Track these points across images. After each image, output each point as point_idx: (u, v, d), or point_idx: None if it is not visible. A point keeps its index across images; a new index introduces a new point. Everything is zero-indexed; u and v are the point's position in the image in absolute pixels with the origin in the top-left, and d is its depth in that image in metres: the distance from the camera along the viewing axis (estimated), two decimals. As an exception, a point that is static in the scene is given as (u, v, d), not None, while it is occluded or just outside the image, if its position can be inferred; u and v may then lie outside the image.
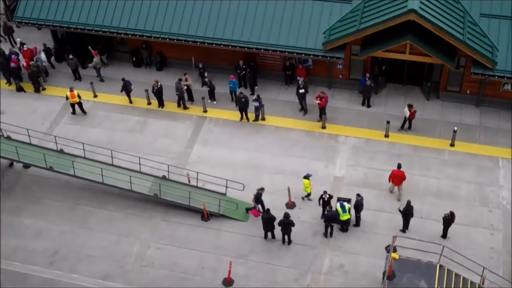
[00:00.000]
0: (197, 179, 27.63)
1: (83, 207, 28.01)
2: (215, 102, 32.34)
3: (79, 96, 31.56)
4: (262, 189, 26.39)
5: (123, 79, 32.29)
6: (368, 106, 31.57)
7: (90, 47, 33.90)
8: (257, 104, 30.65)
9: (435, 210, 26.61)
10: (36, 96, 33.68)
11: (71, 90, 31.38)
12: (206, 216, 27.03)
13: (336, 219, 25.47)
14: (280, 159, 29.39)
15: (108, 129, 31.46)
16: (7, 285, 25.29)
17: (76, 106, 31.97)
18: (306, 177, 26.65)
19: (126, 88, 32.26)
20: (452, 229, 25.46)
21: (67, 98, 31.47)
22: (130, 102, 32.68)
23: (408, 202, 25.27)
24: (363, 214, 26.13)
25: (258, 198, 26.22)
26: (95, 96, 33.16)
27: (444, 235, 25.53)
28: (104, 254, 26.16)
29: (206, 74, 32.51)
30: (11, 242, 26.80)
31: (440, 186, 27.81)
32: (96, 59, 33.52)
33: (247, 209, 26.81)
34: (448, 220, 25.12)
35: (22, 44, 34.73)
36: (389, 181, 26.98)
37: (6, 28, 36.74)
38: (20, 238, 26.96)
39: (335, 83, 32.64)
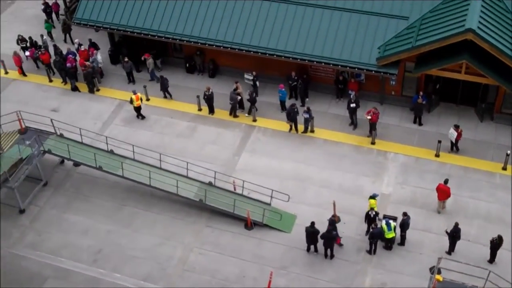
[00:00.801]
0: (243, 187, 27.67)
1: (129, 208, 28.36)
2: (246, 115, 32.42)
3: (141, 99, 32.03)
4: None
5: (161, 76, 32.80)
6: (420, 124, 31.14)
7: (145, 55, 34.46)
8: (307, 116, 30.57)
9: (483, 233, 26.01)
10: (90, 96, 34.33)
11: (135, 93, 31.76)
12: (249, 224, 27.03)
13: (381, 237, 25.15)
14: (327, 173, 29.22)
15: (158, 132, 31.82)
16: (52, 280, 25.76)
17: (130, 109, 32.43)
18: (373, 197, 26.16)
19: (163, 85, 32.74)
20: (500, 254, 24.85)
21: (131, 101, 31.81)
22: (165, 97, 33.43)
23: (456, 224, 24.78)
24: (408, 233, 25.72)
25: (332, 223, 25.68)
26: (148, 99, 33.60)
27: (492, 260, 24.93)
28: (147, 256, 26.40)
29: (257, 84, 32.55)
30: (58, 238, 27.32)
31: (489, 209, 27.19)
32: (150, 60, 33.97)
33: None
34: (496, 244, 24.53)
35: (79, 44, 35.48)
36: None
37: (65, 26, 37.66)
38: (66, 234, 27.46)
39: (387, 99, 32.32)
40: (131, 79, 34.77)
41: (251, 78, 32.51)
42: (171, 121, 32.40)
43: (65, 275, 25.93)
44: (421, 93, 30.52)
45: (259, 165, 29.80)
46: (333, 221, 25.66)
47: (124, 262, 26.22)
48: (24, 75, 35.64)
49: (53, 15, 39.35)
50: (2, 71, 36.00)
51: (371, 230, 25.27)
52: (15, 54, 35.12)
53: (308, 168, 29.49)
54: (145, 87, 33.71)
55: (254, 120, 32.06)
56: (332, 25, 30.96)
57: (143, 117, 32.45)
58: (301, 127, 31.17)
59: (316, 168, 29.50)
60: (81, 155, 28.71)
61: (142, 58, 34.16)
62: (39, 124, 30.19)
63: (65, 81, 34.88)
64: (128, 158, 28.91)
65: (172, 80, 34.40)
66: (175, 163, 28.63)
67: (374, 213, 25.65)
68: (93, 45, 35.91)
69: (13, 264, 26.45)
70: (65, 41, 38.00)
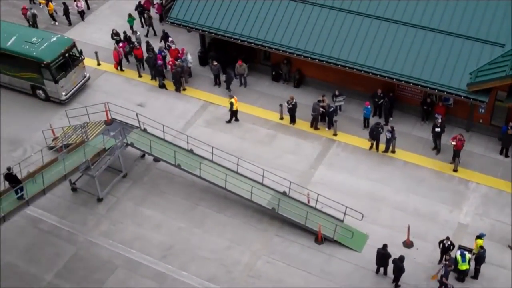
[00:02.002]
0: (317, 200, 27.47)
1: (202, 208, 28.68)
2: (327, 129, 32.17)
3: (235, 102, 32.33)
4: (407, 240, 25.89)
5: (228, 72, 33.63)
6: (506, 156, 30.03)
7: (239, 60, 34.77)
8: (389, 135, 30.06)
9: None
10: (176, 94, 34.98)
11: (232, 97, 32.11)
12: (320, 239, 26.80)
13: (454, 268, 24.38)
14: (403, 195, 28.62)
15: (238, 137, 32.05)
16: (121, 270, 26.37)
17: (213, 110, 32.83)
18: (480, 237, 25.10)
19: (228, 79, 33.57)
20: None
21: (231, 105, 32.10)
22: (228, 88, 34.11)
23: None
24: (483, 267, 24.83)
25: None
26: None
27: None
28: (215, 257, 26.61)
29: (339, 99, 32.22)
30: (132, 230, 27.95)
31: None
32: (237, 65, 34.27)
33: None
34: None
35: (172, 42, 36.19)
36: None
37: (150, 21, 38.88)
38: (140, 227, 28.05)
39: (474, 127, 31.37)
40: (217, 82, 35.21)
41: (342, 99, 32.19)
42: (252, 127, 32.57)
43: (134, 266, 26.49)
44: (511, 124, 29.44)
45: (335, 180, 29.52)
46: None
47: (192, 261, 26.53)
48: (121, 70, 36.68)
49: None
50: (95, 62, 37.19)
51: (444, 261, 24.55)
52: (115, 49, 36.23)
53: (385, 189, 28.98)
54: (230, 90, 34.08)
55: (335, 134, 31.81)
56: (424, 45, 30.34)
57: (237, 119, 32.76)
58: (382, 146, 30.68)
59: (393, 189, 28.94)
60: (162, 151, 29.28)
61: (237, 65, 34.41)
62: (124, 117, 31.03)
63: (154, 78, 35.70)
64: (206, 159, 29.25)
65: (257, 87, 34.67)
66: (251, 169, 28.75)
67: (449, 242, 24.91)
68: (165, 36, 36.97)
69: (86, 250, 27.27)
70: (146, 35, 39.02)
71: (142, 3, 39.97)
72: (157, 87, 35.49)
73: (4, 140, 32.72)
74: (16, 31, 35.02)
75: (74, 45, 34.61)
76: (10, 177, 26.23)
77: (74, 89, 34.77)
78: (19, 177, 26.85)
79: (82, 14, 40.90)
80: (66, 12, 40.62)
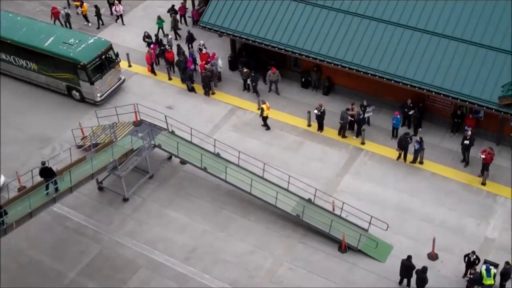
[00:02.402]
0: (342, 209, 27.31)
1: (227, 212, 28.70)
2: (355, 137, 32.04)
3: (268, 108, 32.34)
4: (432, 252, 25.64)
5: (254, 73, 33.82)
6: (536, 171, 29.60)
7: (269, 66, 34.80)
8: (418, 146, 29.78)
9: None
10: (205, 98, 35.12)
11: (264, 103, 32.11)
12: (343, 247, 26.63)
13: (479, 282, 24.00)
14: (430, 207, 28.30)
15: (265, 142, 32.05)
16: (144, 270, 26.51)
17: (242, 115, 32.87)
18: None
19: (255, 81, 34.08)
20: None
21: (262, 111, 32.10)
22: (246, 89, 34.80)
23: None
24: (509, 283, 24.40)
25: (506, 274, 24.38)
26: (259, 108, 33.92)
27: None
28: (238, 261, 26.60)
29: (368, 109, 32.02)
30: (156, 231, 28.08)
31: None
32: (270, 73, 34.28)
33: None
34: None
35: (204, 46, 36.32)
36: None
37: (176, 23, 39.39)
38: (164, 228, 28.18)
39: (505, 141, 30.91)
40: (246, 87, 35.27)
41: (371, 110, 32.05)
42: (280, 133, 32.54)
43: (157, 267, 26.60)
44: (542, 138, 29.03)
45: (361, 189, 29.34)
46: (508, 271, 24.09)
47: (215, 264, 26.56)
48: (154, 73, 36.96)
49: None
50: (126, 63, 37.51)
51: (469, 275, 24.20)
52: (148, 52, 36.53)
53: (412, 200, 28.70)
54: (259, 96, 34.13)
55: (363, 143, 31.63)
56: (456, 56, 30.02)
57: (268, 128, 32.70)
58: (410, 156, 30.41)
59: (420, 200, 28.65)
60: (189, 154, 29.39)
61: (269, 73, 34.42)
62: (153, 118, 31.24)
63: (184, 81, 35.87)
64: (232, 163, 29.29)
65: (286, 93, 34.66)
66: (277, 174, 28.72)
67: (474, 256, 24.56)
68: (191, 37, 37.34)
69: (110, 249, 27.47)
70: (176, 39, 39.30)
71: (175, 8, 40.20)
72: (186, 90, 35.68)
73: (34, 137, 33.18)
74: (54, 32, 35.47)
75: (110, 47, 34.91)
76: (46, 171, 26.49)
77: (109, 91, 35.08)
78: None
79: (121, 17, 41.12)
80: (98, 14, 41.03)
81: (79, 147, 31.49)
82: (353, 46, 31.75)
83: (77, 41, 34.24)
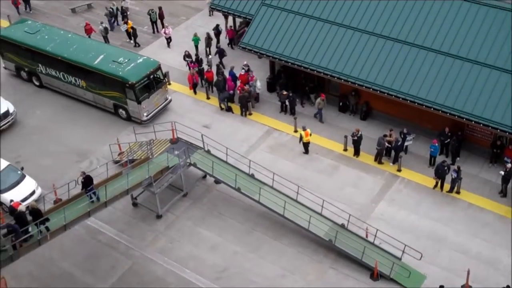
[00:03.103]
0: (375, 236, 26.97)
1: (258, 234, 28.61)
2: (391, 164, 31.71)
3: (310, 135, 32.10)
4: (466, 285, 25.11)
5: (292, 95, 33.87)
6: None
7: (317, 92, 34.78)
8: (455, 175, 29.33)
9: None
10: (241, 119, 35.24)
11: (304, 129, 31.87)
12: (376, 275, 26.25)
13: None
14: (465, 238, 27.77)
15: (300, 165, 31.94)
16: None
17: (277, 136, 32.83)
18: None
19: (292, 103, 34.41)
20: None
21: (301, 137, 32.01)
22: (283, 111, 35.08)
23: None
24: (546, 320, 23.78)
25: None
26: (296, 131, 33.90)
27: None
28: (268, 284, 26.44)
29: (408, 138, 31.67)
30: (187, 249, 28.12)
31: None
32: (320, 100, 33.98)
33: None
34: None
35: (247, 66, 36.51)
36: None
37: (209, 40, 39.56)
38: (196, 247, 28.21)
39: (545, 173, 30.26)
40: (284, 109, 35.28)
41: (411, 139, 31.70)
42: (316, 157, 32.41)
43: (186, 286, 26.59)
44: None
45: (395, 216, 28.96)
46: None
47: (244, 285, 26.41)
48: (195, 93, 37.24)
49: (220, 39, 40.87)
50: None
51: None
52: (191, 73, 36.85)
53: (446, 229, 28.22)
54: (295, 118, 34.10)
55: (399, 170, 31.29)
56: (498, 86, 29.54)
57: (307, 152, 32.54)
58: (447, 186, 29.94)
59: (455, 231, 28.15)
60: (223, 174, 29.46)
61: (318, 101, 34.16)
62: (190, 137, 31.44)
63: (222, 101, 36.03)
64: (266, 185, 29.24)
65: (324, 116, 34.52)
66: (311, 198, 28.55)
67: (510, 290, 24.01)
68: (221, 53, 37.78)
69: (141, 265, 27.59)
70: (206, 55, 39.56)
71: (220, 29, 40.52)
72: (223, 110, 35.86)
73: (72, 150, 33.68)
74: (104, 50, 35.93)
75: (159, 67, 35.11)
76: (89, 180, 26.96)
77: (156, 110, 35.18)
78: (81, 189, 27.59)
79: (169, 41, 41.27)
80: (134, 35, 41.52)
81: (116, 162, 31.83)
82: (392, 72, 31.56)
83: (126, 60, 34.58)
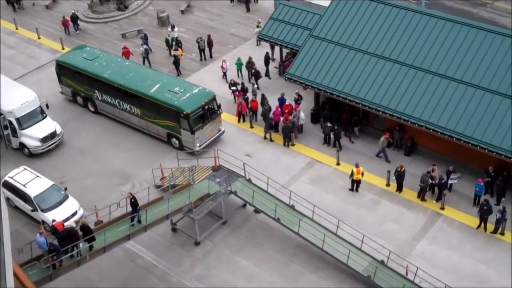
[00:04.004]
0: (415, 274, 26.40)
1: (296, 266, 28.35)
2: (434, 201, 31.13)
3: (362, 174, 31.59)
4: None
5: (337, 129, 33.42)
6: None
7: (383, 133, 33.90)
8: (500, 216, 28.63)
9: None
10: (284, 149, 35.19)
11: (357, 166, 31.32)
12: (414, 315, 25.70)
13: None
14: (508, 281, 26.95)
15: (341, 198, 31.65)
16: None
17: (319, 168, 32.66)
18: None
19: (337, 137, 34.16)
20: None
21: (352, 174, 31.58)
22: (326, 143, 34.63)
23: None
24: None
25: None
26: (338, 164, 33.67)
27: None
28: (303, 318, 26.11)
29: (453, 176, 31.09)
30: (224, 277, 28.02)
31: None
32: (383, 139, 33.21)
33: None
34: None
35: (299, 95, 36.58)
36: None
37: (249, 64, 39.70)
38: (232, 275, 28.10)
39: None
40: (327, 141, 35.12)
41: (456, 177, 31.16)
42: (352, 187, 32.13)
43: (221, 314, 26.46)
44: None
45: (437, 255, 28.36)
46: None
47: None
48: (241, 121, 37.36)
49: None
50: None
51: None
52: (239, 102, 37.05)
53: (489, 271, 27.49)
54: (338, 151, 33.89)
55: (442, 208, 30.70)
56: (547, 127, 28.97)
57: (354, 189, 32.05)
58: (491, 226, 29.23)
59: (498, 272, 27.39)
60: (263, 203, 29.38)
61: (382, 139, 33.42)
62: (231, 165, 31.51)
63: (266, 131, 36.03)
64: (306, 217, 29.02)
65: (367, 150, 34.27)
66: (351, 232, 28.21)
67: None
68: (257, 74, 38.01)
69: (178, 291, 27.58)
70: (249, 81, 39.91)
71: (270, 55, 40.80)
72: (267, 139, 35.89)
73: (116, 173, 34.12)
74: (160, 79, 36.13)
75: (214, 99, 35.12)
76: (135, 202, 27.51)
77: (208, 141, 34.98)
78: (127, 210, 27.87)
79: (225, 74, 40.98)
80: (176, 64, 41.96)
81: (158, 187, 32.09)
82: (439, 108, 31.18)
83: (182, 90, 34.72)
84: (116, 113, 37.56)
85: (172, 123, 34.62)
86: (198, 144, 34.46)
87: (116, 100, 36.82)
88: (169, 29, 44.53)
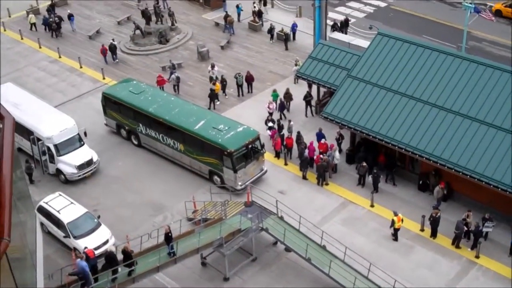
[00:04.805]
0: (448, 323, 25.82)
1: (325, 308, 27.95)
2: (469, 249, 30.53)
3: (402, 221, 30.99)
4: None
5: (375, 173, 32.93)
6: None
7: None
8: (537, 268, 27.93)
9: None
10: (317, 188, 34.99)
11: (396, 215, 30.75)
12: None
13: None
14: (545, 337, 26.20)
15: (374, 241, 31.23)
16: None
17: (353, 209, 32.34)
18: None
19: (375, 180, 33.56)
20: None
21: (392, 223, 31.08)
22: (360, 184, 33.55)
23: None
24: None
25: None
26: (372, 206, 33.31)
27: None
28: None
29: (488, 224, 30.45)
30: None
31: None
32: (439, 188, 32.38)
33: None
34: None
35: (340, 134, 36.53)
36: None
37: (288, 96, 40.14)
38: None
39: None
40: (362, 182, 34.83)
41: (491, 225, 30.51)
42: (390, 234, 31.60)
43: None
44: None
45: (470, 305, 27.72)
46: None
47: None
48: (278, 158, 37.29)
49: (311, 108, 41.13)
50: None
51: None
52: (275, 139, 37.07)
53: (525, 325, 26.73)
54: (372, 193, 33.56)
55: (477, 256, 30.04)
56: None
57: (396, 239, 31.44)
58: (527, 278, 28.52)
59: (534, 328, 26.62)
60: (294, 242, 29.11)
61: (437, 189, 32.57)
62: (264, 201, 31.38)
63: (301, 169, 35.88)
64: (337, 258, 28.62)
65: (402, 194, 33.87)
66: (383, 276, 27.70)
67: None
68: (282, 106, 38.50)
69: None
70: (280, 118, 40.10)
71: (310, 93, 40.91)
72: (300, 177, 35.75)
73: (149, 204, 34.28)
74: (204, 115, 36.19)
75: (258, 138, 34.91)
76: (167, 237, 27.80)
77: (250, 180, 34.42)
78: (157, 241, 27.91)
79: (271, 114, 40.52)
80: (211, 97, 42.23)
81: (190, 219, 32.11)
82: (477, 154, 30.73)
83: (226, 128, 34.59)
84: (159, 148, 37.52)
85: (215, 160, 34.36)
86: (240, 183, 34.04)
87: (160, 135, 36.82)
88: (209, 67, 44.77)
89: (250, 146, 34.51)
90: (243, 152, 34.12)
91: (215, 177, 35.08)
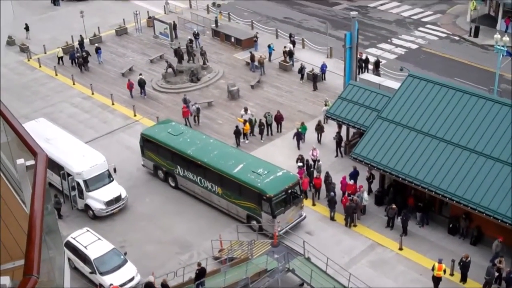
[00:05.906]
0: None
1: None
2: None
3: (444, 271, 29.99)
4: None
5: (405, 214, 32.54)
6: None
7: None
8: None
9: None
10: (345, 229, 34.61)
11: (440, 262, 29.79)
12: None
13: None
14: None
15: (402, 284, 30.65)
16: None
17: (381, 252, 31.89)
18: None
19: (405, 222, 33.07)
20: None
21: (433, 268, 30.08)
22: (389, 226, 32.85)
23: None
24: None
25: None
26: (401, 249, 32.80)
27: None
28: None
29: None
30: None
31: None
32: (498, 243, 30.88)
33: None
34: None
35: (371, 173, 36.31)
36: None
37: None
38: None
39: None
40: (391, 224, 34.37)
41: None
42: (419, 278, 31.05)
43: None
44: None
45: None
46: None
47: None
48: (305, 198, 36.69)
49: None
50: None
51: None
52: (303, 179, 36.49)
53: None
54: (401, 235, 33.07)
55: (507, 304, 29.30)
56: None
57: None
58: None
59: None
60: (321, 284, 28.73)
61: (496, 243, 31.14)
62: (291, 242, 31.15)
63: (330, 210, 35.56)
64: (364, 302, 28.20)
65: (431, 237, 33.31)
66: (411, 322, 27.15)
67: None
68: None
69: None
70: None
71: (340, 134, 40.80)
72: (328, 218, 35.45)
73: (176, 241, 34.24)
74: (244, 159, 35.71)
75: (298, 183, 34.31)
76: (201, 273, 28.30)
77: (289, 226, 33.53)
78: (182, 280, 27.77)
79: (315, 162, 39.52)
80: (237, 133, 42.33)
81: (216, 258, 31.95)
82: (508, 198, 30.18)
83: (266, 172, 33.94)
84: (197, 190, 37.05)
85: (253, 205, 33.73)
86: (278, 229, 33.07)
87: (198, 178, 36.43)
88: (242, 111, 44.75)
89: (289, 191, 33.82)
90: (282, 197, 33.38)
91: (253, 222, 34.17)
